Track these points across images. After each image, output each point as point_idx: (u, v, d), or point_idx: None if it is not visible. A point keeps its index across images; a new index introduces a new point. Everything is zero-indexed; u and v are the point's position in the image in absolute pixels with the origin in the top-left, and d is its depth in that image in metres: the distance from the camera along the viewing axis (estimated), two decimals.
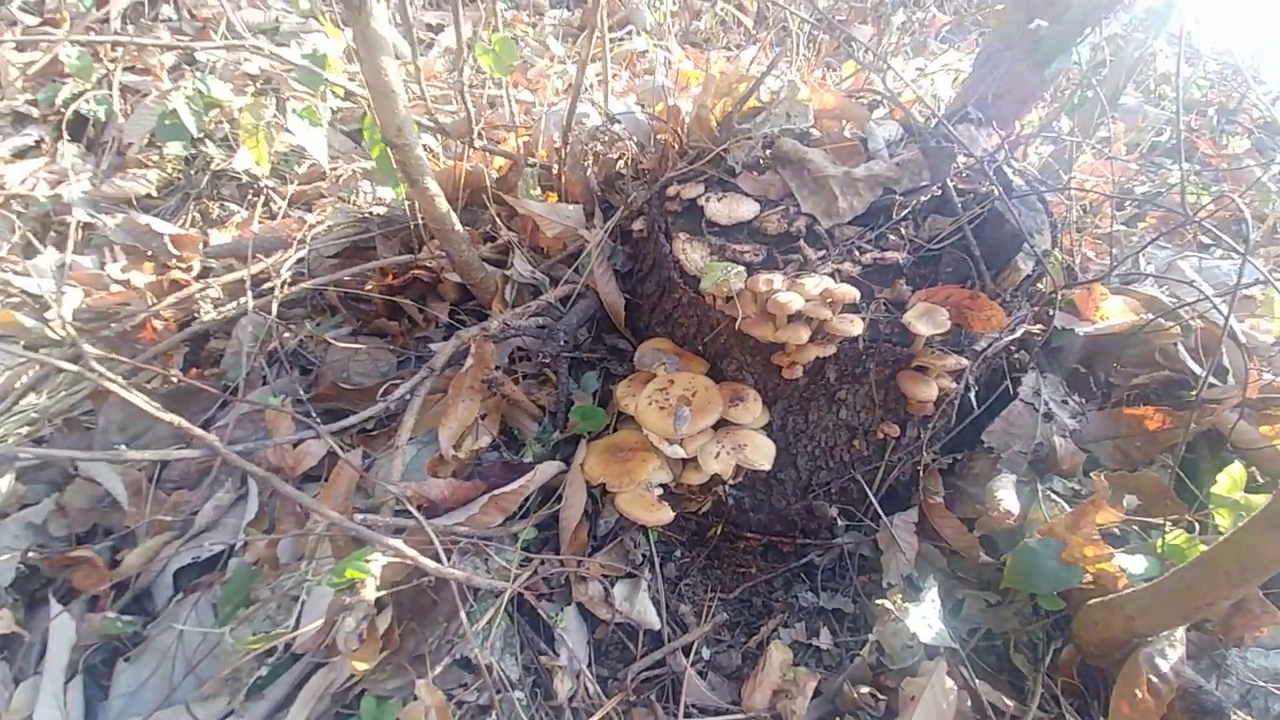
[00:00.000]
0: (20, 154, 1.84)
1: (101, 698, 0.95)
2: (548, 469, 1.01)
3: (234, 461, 0.79)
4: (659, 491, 1.00)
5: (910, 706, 0.85)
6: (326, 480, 1.06)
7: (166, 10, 2.21)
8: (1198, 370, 1.12)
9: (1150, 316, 1.13)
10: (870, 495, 1.13)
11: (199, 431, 0.82)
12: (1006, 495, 1.00)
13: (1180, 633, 0.79)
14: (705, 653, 1.02)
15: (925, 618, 0.91)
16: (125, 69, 1.93)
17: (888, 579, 1.06)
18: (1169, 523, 0.89)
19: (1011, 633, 1.00)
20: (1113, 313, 1.14)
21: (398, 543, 0.76)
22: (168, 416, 0.83)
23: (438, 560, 0.86)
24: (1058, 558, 0.88)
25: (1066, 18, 1.12)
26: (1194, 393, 1.13)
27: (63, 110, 1.83)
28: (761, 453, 0.98)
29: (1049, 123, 1.33)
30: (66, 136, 1.83)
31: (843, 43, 2.22)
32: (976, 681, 0.91)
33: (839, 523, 1.17)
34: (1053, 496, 1.02)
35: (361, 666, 0.81)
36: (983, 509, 1.04)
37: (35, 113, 1.90)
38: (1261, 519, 0.63)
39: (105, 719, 0.92)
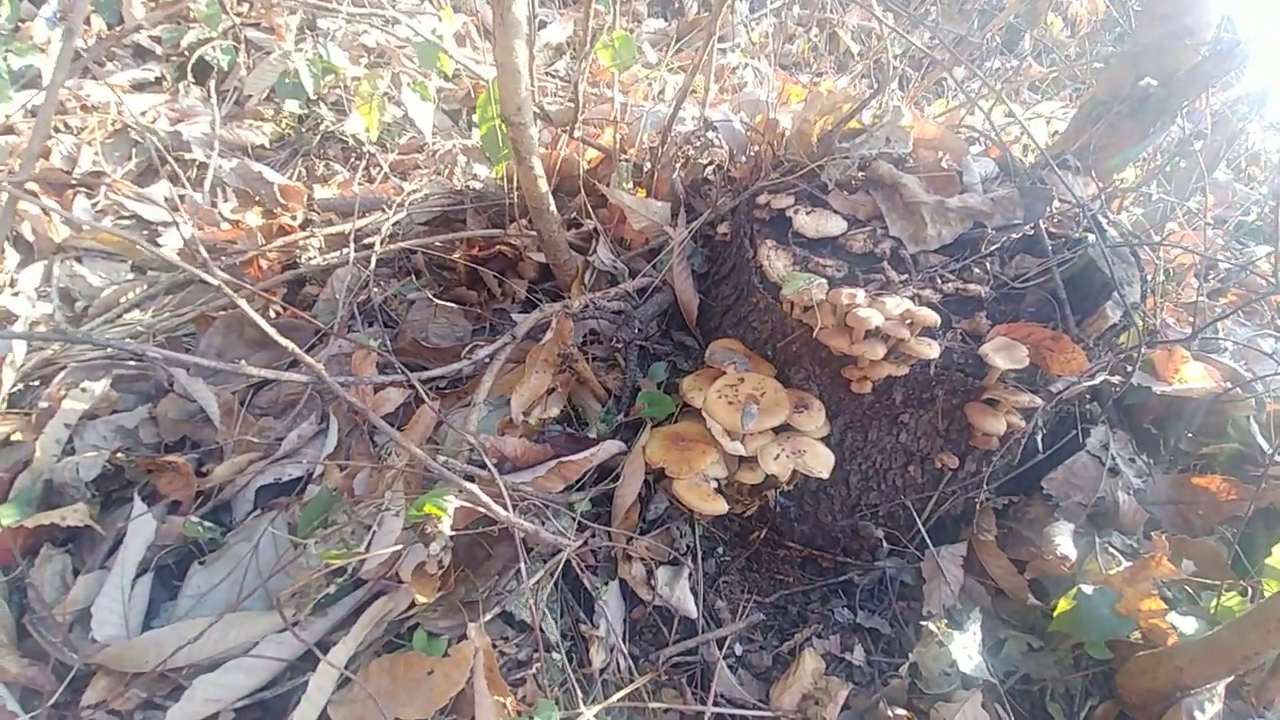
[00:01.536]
0: (139, 86, 1.97)
1: (166, 599, 1.00)
2: (610, 447, 1.05)
3: (333, 388, 0.85)
4: (713, 486, 1.03)
5: None
6: (402, 428, 1.13)
7: None
8: (1266, 446, 1.10)
9: (1228, 386, 1.11)
10: (919, 523, 1.13)
11: (307, 358, 0.89)
12: (1064, 541, 1.00)
13: (1220, 689, 0.78)
14: (737, 649, 1.04)
15: (967, 648, 0.92)
16: (250, 24, 2.07)
17: (928, 608, 1.07)
18: (1224, 586, 0.87)
19: (1050, 680, 0.99)
20: (1191, 377, 1.13)
21: (473, 487, 0.80)
22: (282, 340, 0.90)
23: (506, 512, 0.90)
24: (1111, 607, 0.88)
25: (1174, 81, 1.12)
26: (1261, 469, 1.11)
27: (186, 53, 1.96)
28: (821, 460, 1.00)
29: (1147, 181, 1.32)
30: (190, 79, 1.96)
31: (936, 82, 2.24)
32: None
33: (883, 546, 1.17)
34: (1110, 550, 1.01)
35: (422, 598, 0.86)
36: (1036, 552, 1.04)
37: (159, 50, 2.04)
38: None
39: (169, 618, 0.97)
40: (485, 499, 0.79)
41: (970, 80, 1.63)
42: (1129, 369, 1.04)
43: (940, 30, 1.92)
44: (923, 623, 0.94)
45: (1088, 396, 1.12)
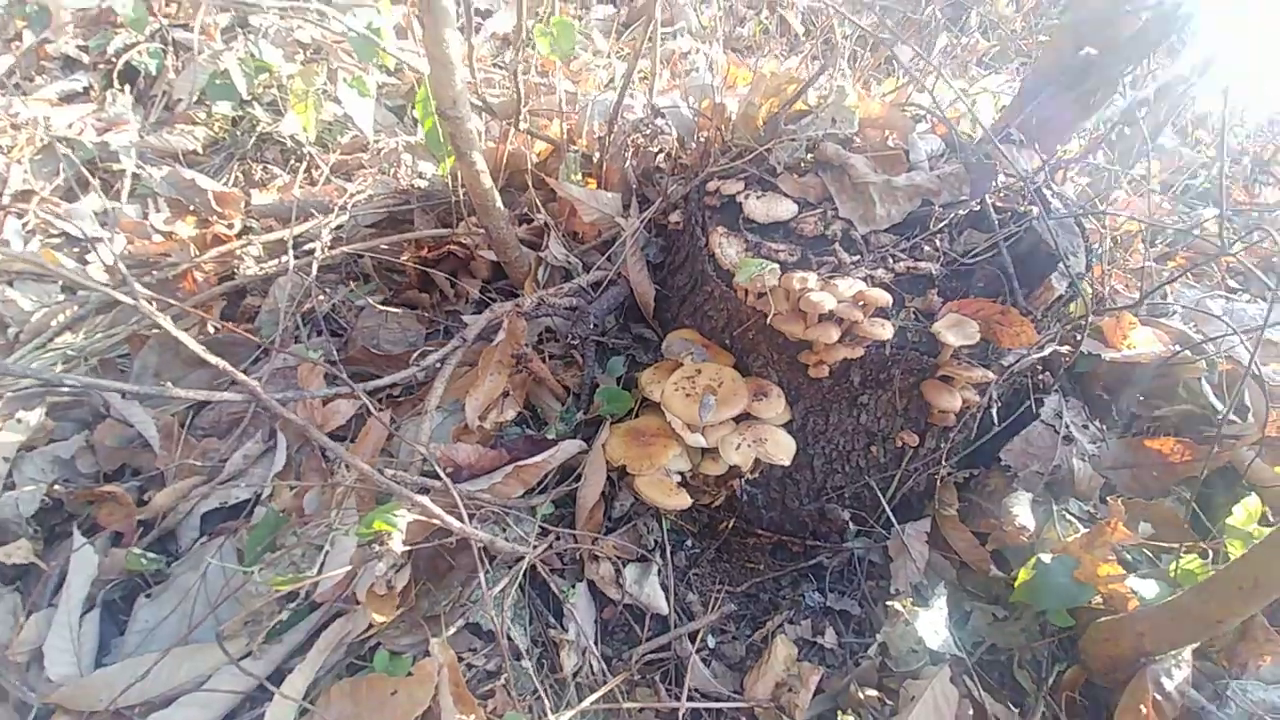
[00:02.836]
0: (67, 98, 1.87)
1: (116, 634, 0.97)
2: (569, 447, 1.03)
3: (272, 407, 0.82)
4: (677, 479, 1.02)
5: (910, 706, 0.86)
6: (353, 441, 1.09)
7: None
8: (1220, 406, 1.13)
9: (1177, 349, 1.13)
10: (884, 502, 1.14)
11: (241, 376, 0.85)
12: (1022, 511, 1.01)
13: (1187, 654, 0.80)
14: (710, 641, 1.03)
15: (933, 624, 0.92)
16: (178, 25, 1.97)
17: (896, 586, 1.07)
18: (1183, 549, 0.89)
19: (1017, 649, 1.01)
20: (1140, 342, 1.15)
21: (424, 500, 0.77)
22: (215, 360, 0.85)
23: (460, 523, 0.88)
24: (1070, 575, 0.89)
25: (1116, 48, 1.13)
26: (1215, 429, 1.14)
27: (114, 60, 1.86)
28: (782, 448, 0.99)
29: (1090, 151, 1.34)
30: (116, 86, 1.87)
31: (884, 61, 2.24)
32: (980, 692, 0.92)
33: (850, 527, 1.18)
34: (1068, 517, 1.02)
35: (379, 618, 0.83)
36: (996, 524, 1.05)
37: (86, 59, 1.94)
38: (1277, 536, 0.63)
39: (119, 654, 0.94)
40: (437, 511, 0.77)
41: (917, 59, 1.63)
42: (1078, 338, 1.05)
43: (887, 10, 1.92)
44: (889, 603, 0.94)
45: (1040, 367, 1.13)
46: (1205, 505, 1.08)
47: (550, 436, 1.06)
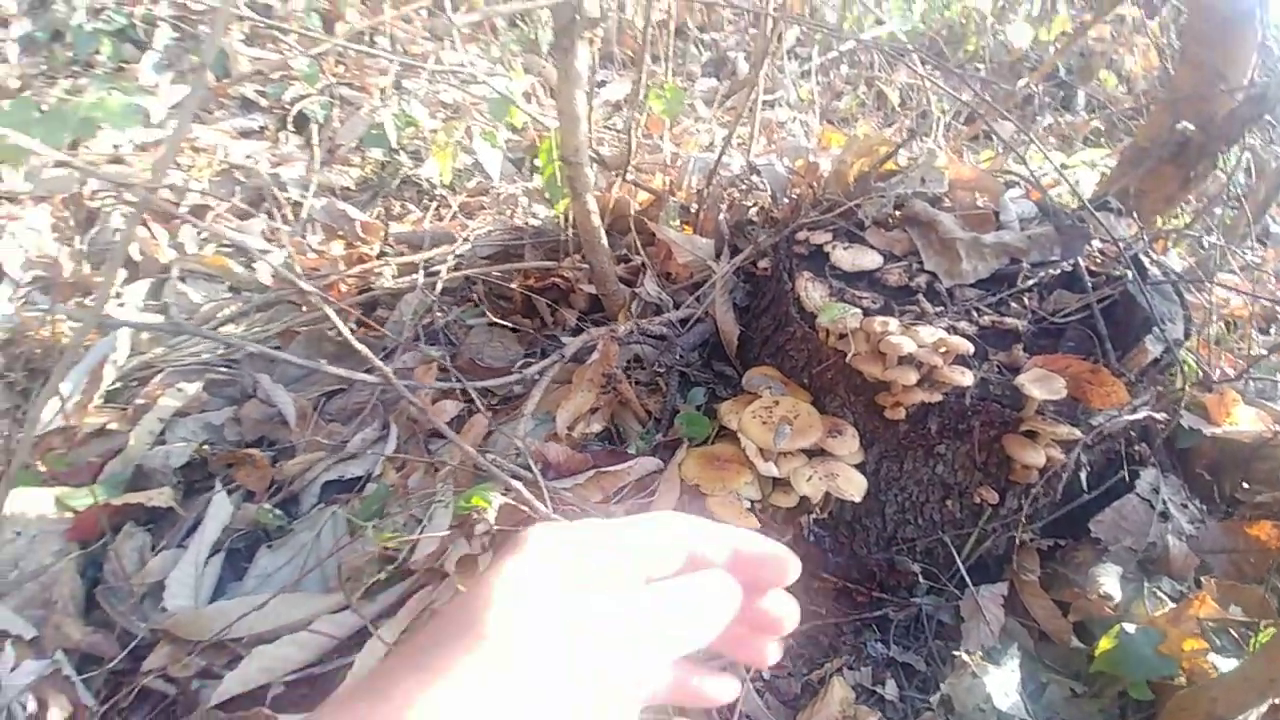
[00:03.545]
0: (244, 134, 2.25)
1: (233, 578, 1.10)
2: (648, 463, 1.09)
3: (399, 389, 0.94)
4: (747, 505, 1.05)
5: None
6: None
7: (383, 42, 2.66)
8: None
9: (1278, 429, 1.07)
10: (958, 560, 1.11)
11: (379, 362, 0.99)
12: (1109, 582, 0.97)
13: (1255, 717, 0.73)
14: (765, 673, 1.04)
15: (1004, 684, 0.89)
16: (344, 83, 2.34)
17: (966, 646, 1.04)
18: (1262, 624, 0.83)
19: None
20: (1241, 419, 1.10)
21: (517, 484, 0.86)
22: (358, 345, 1.00)
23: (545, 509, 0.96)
24: (1154, 648, 0.84)
25: (1212, 126, 1.14)
26: None
27: (287, 106, 2.23)
28: (853, 484, 1.01)
29: (1192, 224, 1.31)
30: (290, 128, 2.22)
31: (981, 135, 2.28)
32: None
33: (920, 582, 1.16)
34: (1159, 595, 0.97)
35: (463, 588, 0.91)
36: (1080, 593, 1.01)
37: (264, 102, 2.33)
38: None
39: (236, 595, 1.06)
40: (528, 495, 0.85)
41: (1017, 133, 1.67)
42: (1176, 409, 1.02)
43: (987, 86, 1.99)
44: (955, 653, 0.92)
45: (1135, 436, 1.10)
46: None
47: (630, 452, 1.13)
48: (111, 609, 1.03)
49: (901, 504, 1.15)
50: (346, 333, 1.02)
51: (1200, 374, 1.14)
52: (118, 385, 1.41)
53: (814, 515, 1.15)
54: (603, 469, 1.03)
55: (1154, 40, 2.55)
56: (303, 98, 2.26)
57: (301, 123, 2.28)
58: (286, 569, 1.05)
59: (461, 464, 1.02)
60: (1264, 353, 1.07)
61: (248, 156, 2.13)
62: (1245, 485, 1.10)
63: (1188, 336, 1.00)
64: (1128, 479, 1.07)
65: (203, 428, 1.35)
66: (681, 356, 1.27)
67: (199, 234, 1.89)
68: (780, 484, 1.08)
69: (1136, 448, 1.11)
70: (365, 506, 1.03)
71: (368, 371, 1.10)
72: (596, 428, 1.16)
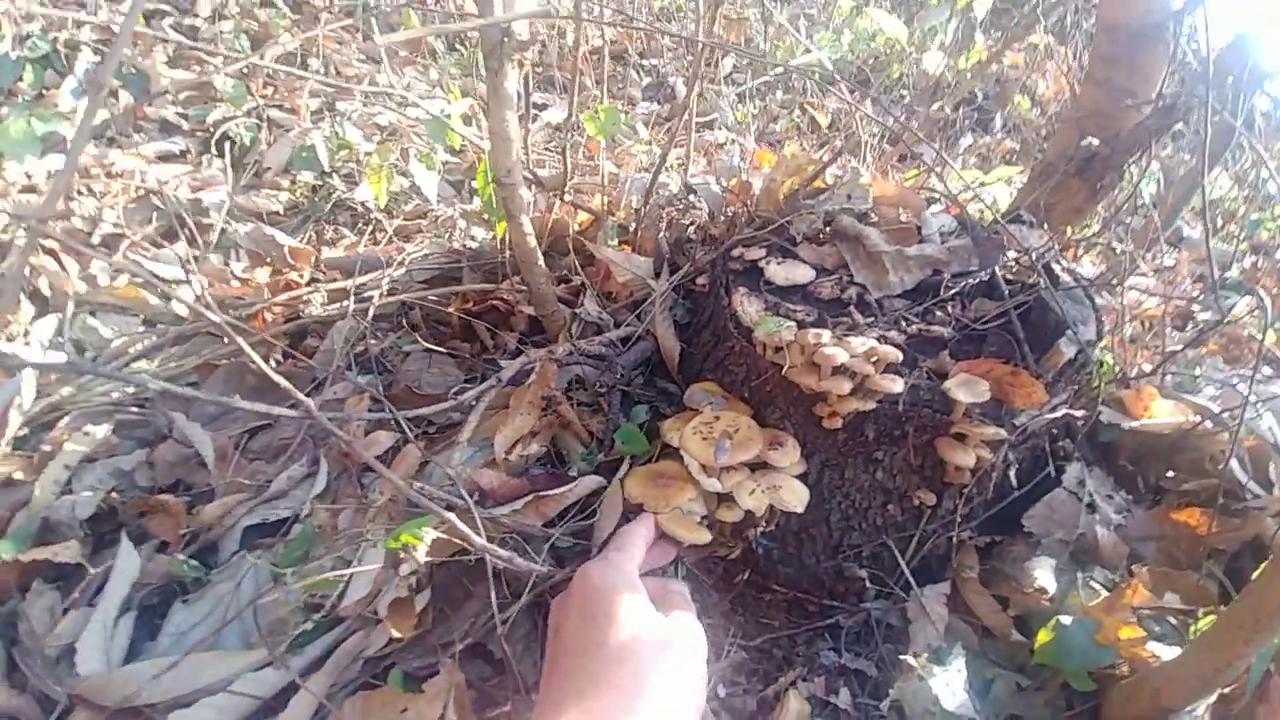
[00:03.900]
0: (164, 158, 2.14)
1: (148, 638, 1.02)
2: (589, 483, 1.07)
3: (322, 422, 0.89)
4: (697, 519, 1.04)
5: None
6: (389, 468, 1.16)
7: (315, 64, 2.60)
8: (1242, 478, 1.11)
9: (1196, 419, 1.14)
10: (902, 563, 1.13)
11: (301, 396, 0.93)
12: (1044, 575, 1.00)
13: (1202, 710, 0.76)
14: (721, 691, 1.02)
15: (950, 684, 0.90)
16: (273, 105, 2.27)
17: (914, 648, 1.05)
18: (1203, 611, 0.87)
19: None
20: (1160, 413, 1.16)
21: (451, 515, 0.83)
22: (277, 378, 0.95)
23: (480, 551, 0.92)
24: (1091, 637, 0.87)
25: (1117, 140, 1.22)
26: (1241, 503, 1.12)
27: (211, 129, 2.14)
28: (795, 495, 1.02)
29: (1099, 234, 1.40)
30: (213, 152, 2.13)
31: (907, 156, 2.39)
32: None
33: (868, 587, 1.17)
34: (1092, 584, 1.00)
35: (397, 633, 0.86)
36: (1018, 588, 1.03)
37: (185, 125, 2.23)
38: (1270, 569, 0.63)
39: (150, 655, 0.98)
40: (461, 526, 0.81)
41: (937, 152, 1.75)
42: (1094, 405, 1.07)
43: (908, 110, 2.08)
44: (902, 657, 0.93)
45: (1058, 433, 1.14)
46: (1237, 579, 1.05)
47: (572, 474, 1.11)
48: (29, 671, 0.94)
49: (845, 511, 1.16)
50: (263, 365, 0.97)
51: (1118, 372, 1.20)
52: (24, 431, 1.30)
53: (760, 528, 1.14)
54: (541, 493, 1.00)
55: (1065, 64, 2.75)
56: (228, 119, 2.18)
57: (224, 146, 2.19)
58: (203, 624, 0.97)
59: (392, 499, 0.97)
60: (1177, 348, 1.13)
61: (165, 182, 2.03)
62: (1169, 474, 1.15)
63: (1100, 337, 1.06)
64: (1054, 474, 1.11)
65: (111, 474, 1.25)
66: (623, 375, 1.26)
67: (110, 265, 1.78)
68: (725, 499, 1.08)
69: (1061, 444, 1.16)
70: (288, 552, 0.96)
71: (293, 406, 1.04)
72: (536, 449, 1.13)
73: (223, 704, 0.86)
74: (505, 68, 1.06)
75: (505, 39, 1.02)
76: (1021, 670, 1.01)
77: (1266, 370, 1.64)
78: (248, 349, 0.97)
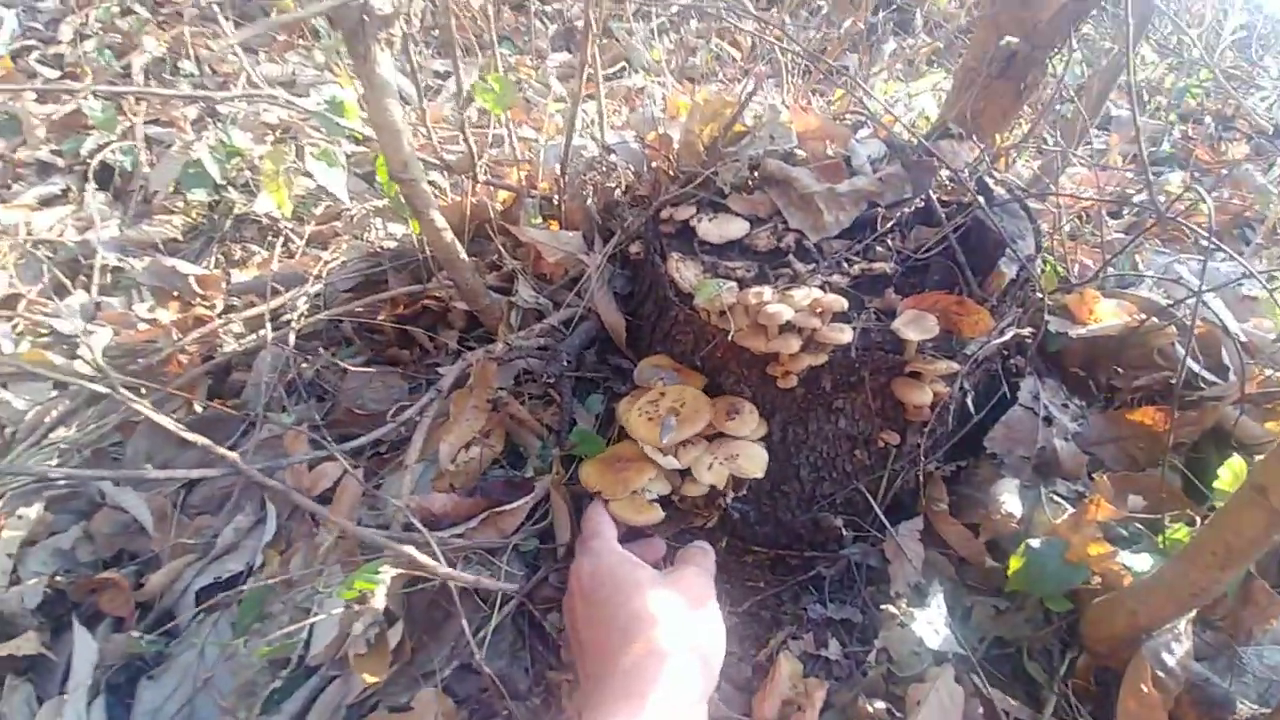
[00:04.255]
0: (46, 202, 1.95)
1: (124, 717, 0.98)
2: (545, 485, 1.03)
3: (252, 476, 0.83)
4: (654, 498, 1.01)
5: (916, 711, 0.84)
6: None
7: (187, 66, 2.36)
8: (1195, 368, 1.13)
9: (1142, 317, 1.14)
10: (875, 505, 1.13)
11: (222, 450, 0.86)
12: (1009, 498, 1.01)
13: (1183, 626, 0.78)
14: None
15: (931, 623, 0.91)
16: (149, 121, 2.06)
17: (895, 588, 1.06)
18: (1170, 518, 0.88)
19: (1024, 640, 0.99)
20: (1105, 315, 1.16)
21: (407, 548, 0.78)
22: (193, 437, 0.87)
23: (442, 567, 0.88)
24: (1061, 558, 0.88)
25: (1035, 35, 1.17)
26: (1195, 394, 1.13)
27: (88, 161, 1.95)
28: (754, 462, 0.99)
29: (1029, 135, 1.36)
30: (94, 185, 1.94)
31: (833, 73, 2.30)
32: (989, 689, 0.90)
33: (845, 534, 1.17)
34: (1056, 499, 1.02)
35: (370, 679, 0.83)
36: (987, 514, 1.04)
37: (60, 162, 2.03)
38: (1240, 496, 0.63)
39: None
40: (416, 555, 0.77)
41: (860, 68, 1.67)
42: (1040, 318, 1.06)
43: (832, 24, 1.98)
44: (883, 607, 0.93)
45: (1008, 352, 1.14)
46: (1200, 470, 1.07)
47: (529, 475, 1.07)
48: None
49: (814, 463, 1.15)
50: (169, 423, 0.89)
51: (1059, 278, 1.19)
52: None
53: (730, 495, 1.13)
54: (496, 509, 0.96)
55: None
56: (102, 147, 1.98)
57: (107, 176, 1.99)
58: (175, 698, 0.93)
59: (340, 539, 0.92)
60: (1118, 251, 1.12)
61: (50, 228, 1.85)
62: (1119, 372, 1.16)
63: (1039, 250, 1.04)
64: (1009, 393, 1.11)
65: (53, 555, 1.18)
66: (569, 362, 1.21)
67: (14, 329, 1.64)
68: (687, 474, 1.05)
69: (1012, 362, 1.15)
70: (243, 614, 0.91)
71: (221, 458, 0.97)
72: (488, 451, 1.08)
73: None
74: (373, 51, 0.95)
75: (365, 18, 0.91)
76: (999, 593, 1.03)
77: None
78: (149, 411, 0.90)
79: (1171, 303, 1.17)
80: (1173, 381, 1.18)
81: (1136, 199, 1.39)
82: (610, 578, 0.75)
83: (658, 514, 0.95)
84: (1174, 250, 1.69)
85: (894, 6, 2.60)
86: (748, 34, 2.62)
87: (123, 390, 0.87)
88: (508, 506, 0.95)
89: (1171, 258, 1.59)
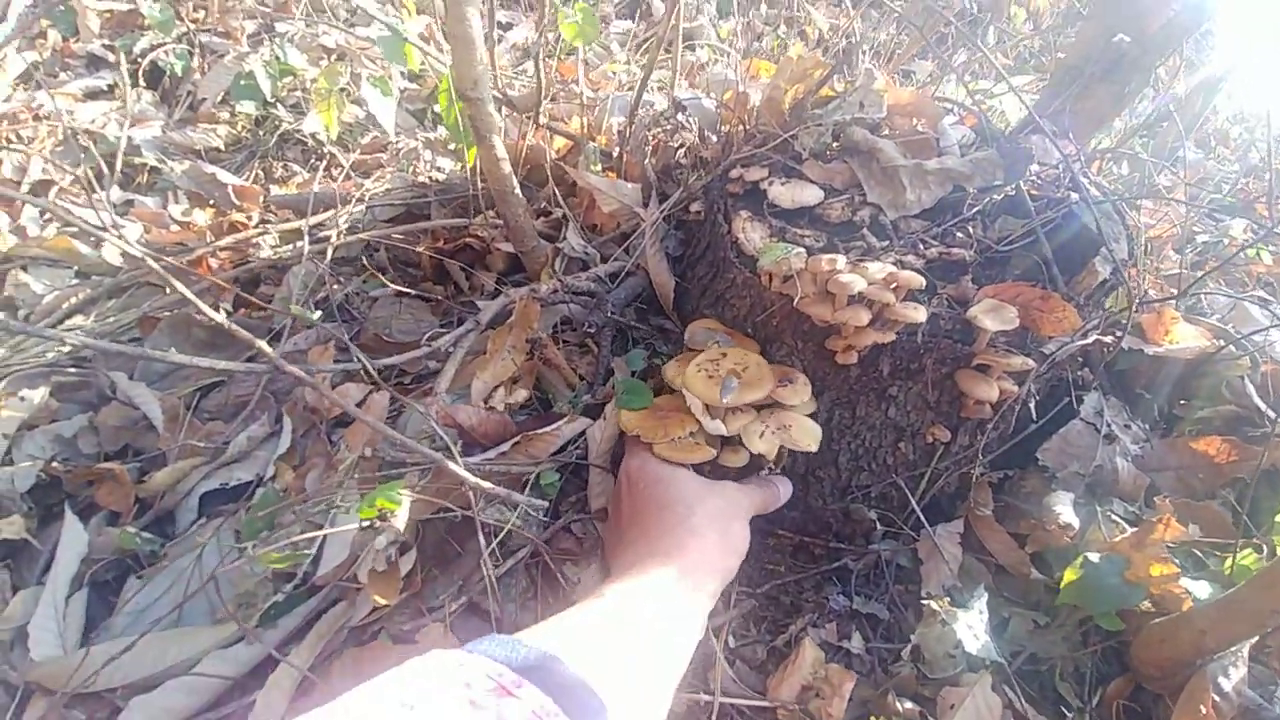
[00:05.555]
0: (92, 95, 1.91)
1: (105, 615, 0.93)
2: (580, 423, 0.98)
3: (293, 373, 0.78)
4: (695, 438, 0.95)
5: (949, 715, 0.79)
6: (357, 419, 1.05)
7: None
8: (1263, 407, 1.07)
9: (1221, 344, 1.08)
10: (913, 502, 1.08)
11: (263, 345, 0.82)
12: (1065, 510, 0.95)
13: (1245, 653, 0.73)
14: (730, 641, 0.97)
15: (972, 627, 0.86)
16: (205, 30, 2.01)
17: (927, 589, 1.01)
18: (1238, 545, 0.83)
19: (1058, 659, 0.94)
20: (1182, 337, 1.10)
21: (436, 455, 0.73)
22: (233, 328, 0.83)
23: (466, 506, 0.84)
24: (1120, 576, 0.83)
25: (1148, 39, 1.11)
26: (1259, 430, 1.08)
27: (140, 60, 1.90)
28: (808, 434, 0.94)
29: (1125, 142, 1.31)
30: (143, 84, 1.90)
31: (902, 72, 2.24)
32: (1023, 702, 0.84)
33: (877, 528, 1.12)
34: (1113, 518, 0.96)
35: (381, 600, 0.78)
36: (1037, 524, 0.99)
37: (111, 58, 1.98)
38: None
39: (108, 636, 0.89)
40: (448, 464, 0.72)
41: (938, 66, 1.62)
42: (1120, 330, 1.00)
43: (905, 25, 1.92)
44: (923, 602, 0.88)
45: (1080, 361, 1.08)
46: (1252, 508, 1.02)
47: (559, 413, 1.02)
48: None
49: (855, 451, 1.10)
50: (212, 314, 0.84)
51: (1142, 293, 1.13)
52: None
53: (766, 472, 1.08)
54: (530, 433, 0.90)
55: None
56: (156, 47, 1.93)
57: (156, 77, 1.95)
58: (165, 600, 0.88)
59: (364, 456, 0.87)
60: (1187, 271, 1.06)
61: (93, 121, 1.81)
62: (1183, 401, 1.10)
63: (1132, 255, 0.98)
64: (1075, 404, 1.05)
65: (53, 441, 1.13)
66: (613, 313, 1.16)
67: (42, 215, 1.60)
68: (729, 442, 1.00)
69: (1080, 372, 1.09)
70: (251, 519, 0.87)
71: (250, 358, 0.92)
72: (521, 396, 1.03)
73: (191, 685, 0.78)
74: None
75: None
76: (1036, 607, 0.98)
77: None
78: (192, 297, 0.85)
79: (1248, 333, 1.11)
80: (1237, 414, 1.13)
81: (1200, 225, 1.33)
82: (657, 468, 0.84)
83: (709, 452, 0.89)
84: (1235, 293, 1.63)
85: (970, 18, 2.54)
86: (816, 25, 2.56)
87: (160, 269, 0.82)
88: (543, 430, 0.90)
89: (1233, 300, 1.53)
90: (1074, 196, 0.96)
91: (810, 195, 1.06)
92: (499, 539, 0.90)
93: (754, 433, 0.95)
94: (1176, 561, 0.90)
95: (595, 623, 0.60)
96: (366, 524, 0.84)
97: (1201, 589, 0.81)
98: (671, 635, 0.64)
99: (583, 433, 0.97)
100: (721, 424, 0.95)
